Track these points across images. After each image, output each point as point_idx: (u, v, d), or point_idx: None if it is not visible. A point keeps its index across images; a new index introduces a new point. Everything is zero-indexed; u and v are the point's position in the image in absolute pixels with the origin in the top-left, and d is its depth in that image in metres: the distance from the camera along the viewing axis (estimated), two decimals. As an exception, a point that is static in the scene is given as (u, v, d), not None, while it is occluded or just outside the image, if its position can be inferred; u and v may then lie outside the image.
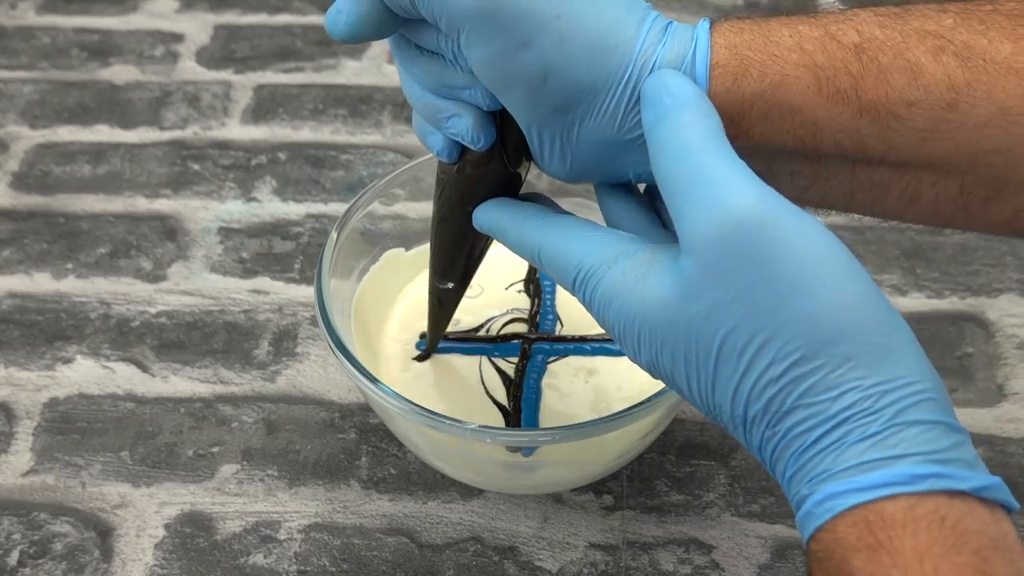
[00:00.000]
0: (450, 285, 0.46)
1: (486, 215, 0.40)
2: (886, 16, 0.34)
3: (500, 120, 0.37)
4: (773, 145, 0.34)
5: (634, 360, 0.34)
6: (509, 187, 0.40)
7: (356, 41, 0.36)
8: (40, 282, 0.62)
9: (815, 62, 0.33)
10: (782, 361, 0.30)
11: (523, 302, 0.54)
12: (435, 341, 0.51)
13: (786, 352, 0.30)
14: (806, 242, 0.30)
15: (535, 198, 0.41)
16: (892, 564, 0.27)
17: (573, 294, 0.36)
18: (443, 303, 0.48)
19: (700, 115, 0.32)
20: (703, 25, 0.34)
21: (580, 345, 0.52)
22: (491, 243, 0.44)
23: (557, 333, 0.53)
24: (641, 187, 0.39)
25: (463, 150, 0.39)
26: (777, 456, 0.31)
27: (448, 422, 0.42)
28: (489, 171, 0.39)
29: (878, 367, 0.29)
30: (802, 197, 0.37)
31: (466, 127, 0.37)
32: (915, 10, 0.34)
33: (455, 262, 0.45)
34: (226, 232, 0.64)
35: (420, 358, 0.52)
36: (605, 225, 0.38)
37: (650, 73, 0.33)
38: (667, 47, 0.33)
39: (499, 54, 0.33)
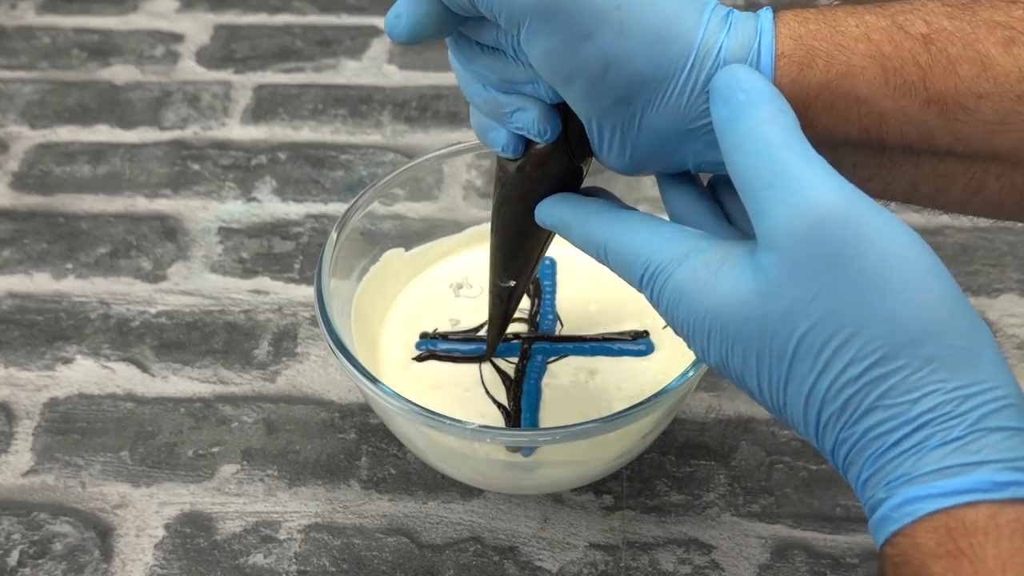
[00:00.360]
0: (511, 283, 0.45)
1: (549, 210, 0.40)
2: (955, 7, 0.33)
3: (563, 113, 0.37)
4: (837, 135, 0.34)
5: (702, 358, 0.34)
6: (571, 182, 0.40)
7: (416, 42, 0.36)
8: (40, 282, 0.62)
9: (882, 52, 0.33)
10: (862, 361, 0.29)
11: (523, 302, 0.54)
12: (496, 341, 0.50)
13: (867, 352, 0.29)
14: (890, 240, 0.29)
15: (598, 193, 0.40)
16: (974, 572, 0.27)
17: (640, 290, 0.35)
18: (504, 302, 0.47)
19: (777, 112, 0.31)
20: (766, 14, 0.34)
21: (580, 345, 0.52)
22: (552, 239, 0.43)
23: (557, 333, 0.53)
24: (704, 179, 0.39)
25: (527, 145, 0.39)
26: (852, 459, 0.31)
27: (448, 422, 0.42)
28: (552, 165, 0.39)
29: (960, 371, 0.29)
30: (864, 188, 0.36)
31: (531, 120, 0.37)
32: (985, 1, 0.34)
33: (516, 260, 0.44)
34: (226, 232, 0.64)
35: (420, 358, 0.52)
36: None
37: (714, 62, 0.33)
38: (730, 36, 0.33)
39: (560, 47, 0.33)
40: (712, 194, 0.38)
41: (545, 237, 0.43)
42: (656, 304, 0.35)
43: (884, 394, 0.29)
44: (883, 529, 0.29)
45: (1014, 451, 0.28)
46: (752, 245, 0.32)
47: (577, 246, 0.38)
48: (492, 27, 0.36)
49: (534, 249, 0.44)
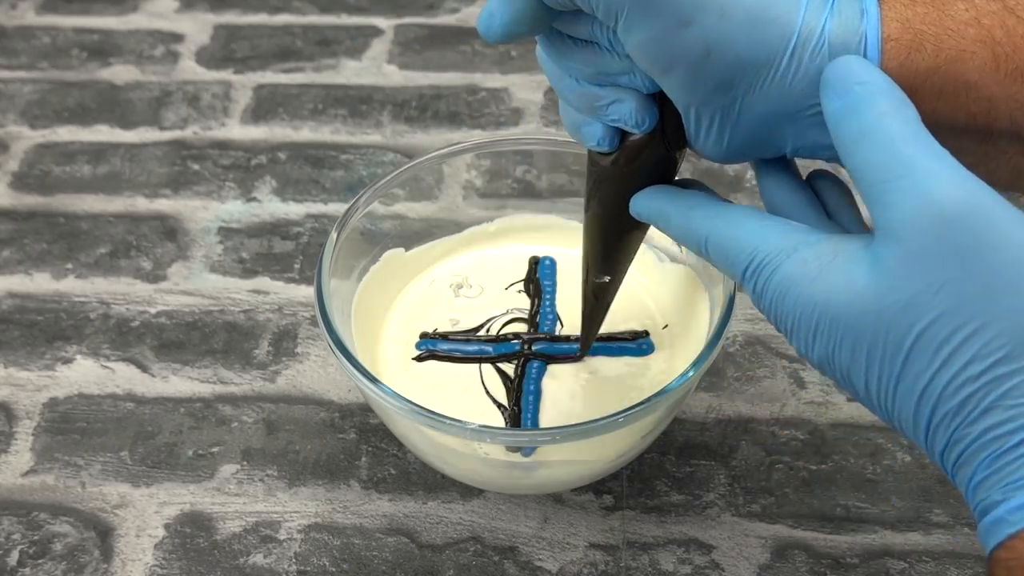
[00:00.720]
0: (607, 279, 0.45)
1: (646, 202, 0.39)
2: None
3: (660, 103, 0.37)
4: (944, 121, 0.33)
5: (803, 354, 0.33)
6: (666, 173, 0.39)
7: (511, 41, 0.36)
8: (40, 282, 0.62)
9: (993, 37, 0.32)
10: (985, 358, 0.29)
11: (523, 302, 0.54)
12: (590, 339, 0.49)
13: (991, 348, 0.29)
14: (1020, 236, 0.29)
15: (693, 185, 0.40)
16: None
17: (741, 283, 0.35)
18: (599, 298, 0.46)
19: (897, 104, 0.31)
20: None
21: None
22: (646, 233, 0.43)
23: (557, 333, 0.53)
24: (803, 173, 0.39)
25: (621, 137, 0.38)
26: (964, 461, 0.30)
27: (448, 422, 0.42)
28: (648, 156, 0.38)
29: None
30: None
31: (628, 111, 0.37)
32: None
33: (611, 255, 0.44)
34: (226, 232, 0.64)
35: (420, 358, 0.52)
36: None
37: (816, 44, 0.33)
38: (833, 17, 0.33)
39: (659, 36, 0.33)
40: (811, 187, 0.38)
41: (641, 230, 0.43)
42: (759, 297, 0.34)
43: (1006, 393, 0.29)
44: (997, 532, 0.29)
45: None
46: (866, 239, 0.31)
47: (676, 238, 0.38)
48: (587, 20, 0.35)
49: (630, 243, 0.43)
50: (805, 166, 0.38)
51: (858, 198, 0.35)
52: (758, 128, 0.35)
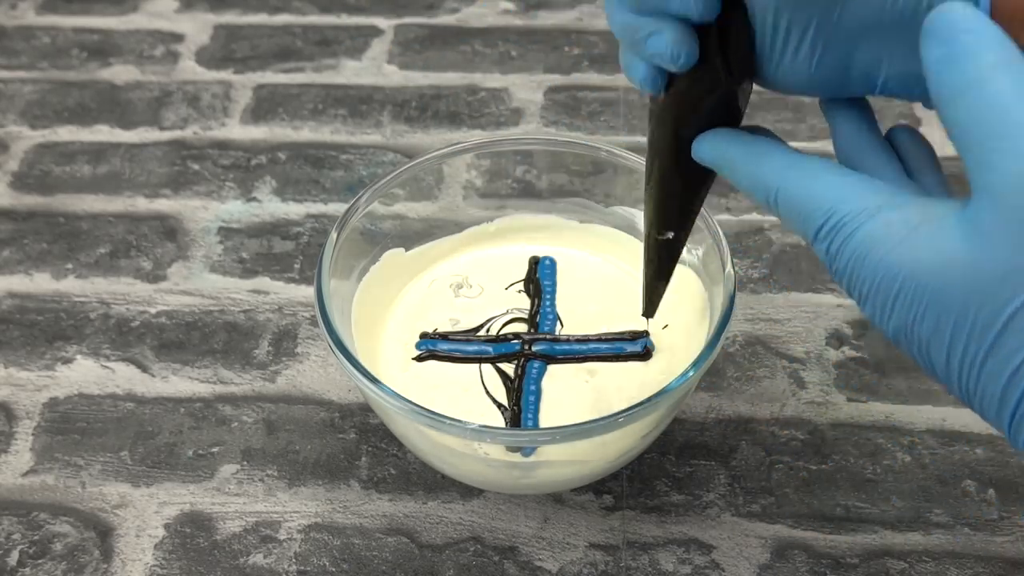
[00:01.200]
0: (670, 235, 0.42)
1: (711, 146, 0.36)
2: None
3: (720, 29, 0.34)
4: None
5: (877, 323, 0.32)
6: (729, 114, 0.36)
7: None
8: (40, 282, 0.62)
9: None
10: None
11: (523, 302, 0.54)
12: (654, 302, 0.46)
13: None
14: None
15: (762, 131, 0.37)
16: None
17: (812, 243, 0.33)
18: (662, 257, 0.43)
19: (1008, 57, 0.28)
20: None
21: (580, 345, 0.52)
22: (712, 183, 0.40)
23: (557, 333, 0.53)
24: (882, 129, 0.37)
25: (670, 78, 0.36)
26: None
27: (448, 422, 0.42)
28: (703, 94, 0.35)
29: None
30: None
31: (665, 43, 0.34)
32: None
33: (672, 207, 0.41)
34: (226, 232, 0.64)
35: (420, 358, 0.52)
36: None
37: None
38: None
39: None
40: (890, 143, 0.36)
41: (705, 180, 0.40)
42: (833, 259, 0.32)
43: None
44: None
45: None
46: (959, 204, 0.29)
47: (742, 188, 0.35)
48: None
49: (694, 194, 0.40)
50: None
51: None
52: (855, 44, 0.32)
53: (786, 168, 0.34)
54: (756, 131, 0.37)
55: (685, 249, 0.52)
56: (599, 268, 0.56)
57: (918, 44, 0.30)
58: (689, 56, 0.34)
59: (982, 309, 0.28)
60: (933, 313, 0.29)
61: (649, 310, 0.47)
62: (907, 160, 0.35)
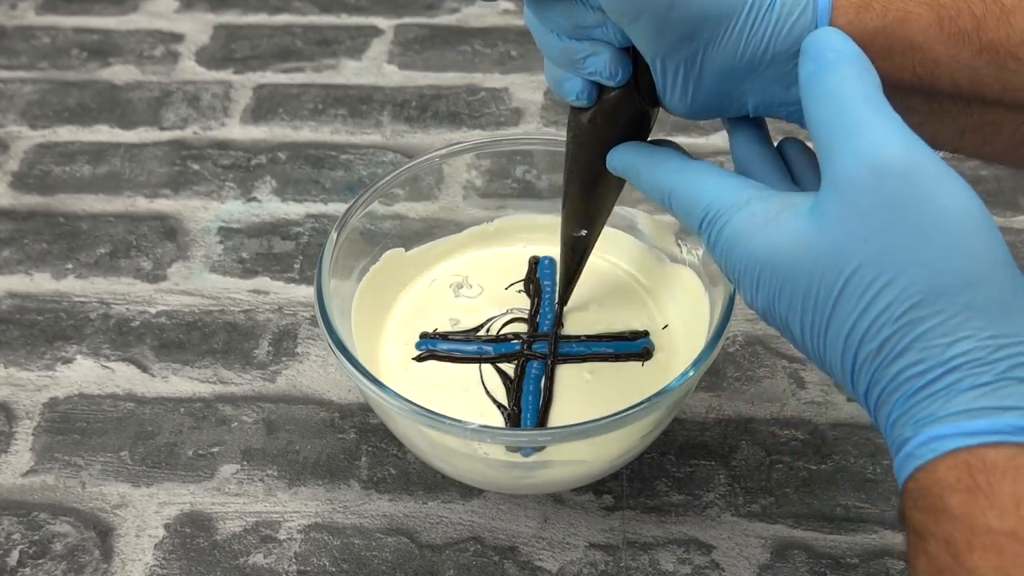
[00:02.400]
0: (583, 232, 0.47)
1: (620, 157, 0.41)
2: None
3: (634, 60, 0.39)
4: (891, 81, 0.35)
5: (750, 303, 0.36)
6: (640, 130, 0.42)
7: None
8: (40, 282, 0.62)
9: (939, 1, 0.34)
10: (902, 303, 0.31)
11: (523, 302, 0.54)
12: (567, 292, 0.51)
13: (908, 294, 0.30)
14: (947, 195, 0.31)
15: (665, 144, 0.42)
16: (988, 506, 0.28)
17: (698, 235, 0.37)
18: (575, 251, 0.48)
19: (862, 70, 0.33)
20: None
21: (580, 345, 0.52)
22: (622, 190, 0.45)
23: (557, 333, 0.53)
24: (775, 141, 0.41)
25: (599, 92, 0.40)
26: (883, 399, 0.32)
27: (448, 422, 0.42)
28: (622, 112, 0.41)
29: (996, 321, 0.30)
30: (939, 143, 0.38)
31: (603, 63, 0.39)
32: None
33: (588, 209, 0.46)
34: (226, 232, 0.64)
35: (420, 358, 0.52)
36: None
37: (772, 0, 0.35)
38: None
39: None
40: (780, 153, 0.40)
41: (616, 186, 0.45)
42: (712, 248, 0.37)
43: (920, 337, 0.31)
44: (907, 466, 0.30)
45: None
46: (814, 196, 0.33)
47: (644, 191, 0.40)
48: None
49: (605, 197, 0.46)
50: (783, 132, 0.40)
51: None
52: (721, 82, 0.37)
53: (677, 172, 0.39)
54: (661, 143, 0.42)
55: (685, 249, 0.53)
56: (599, 268, 0.56)
57: (771, 79, 0.36)
58: (625, 73, 0.39)
59: (823, 284, 0.32)
60: (787, 291, 0.33)
61: (563, 298, 0.52)
62: (792, 166, 0.40)
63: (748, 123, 0.40)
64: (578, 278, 0.51)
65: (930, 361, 0.30)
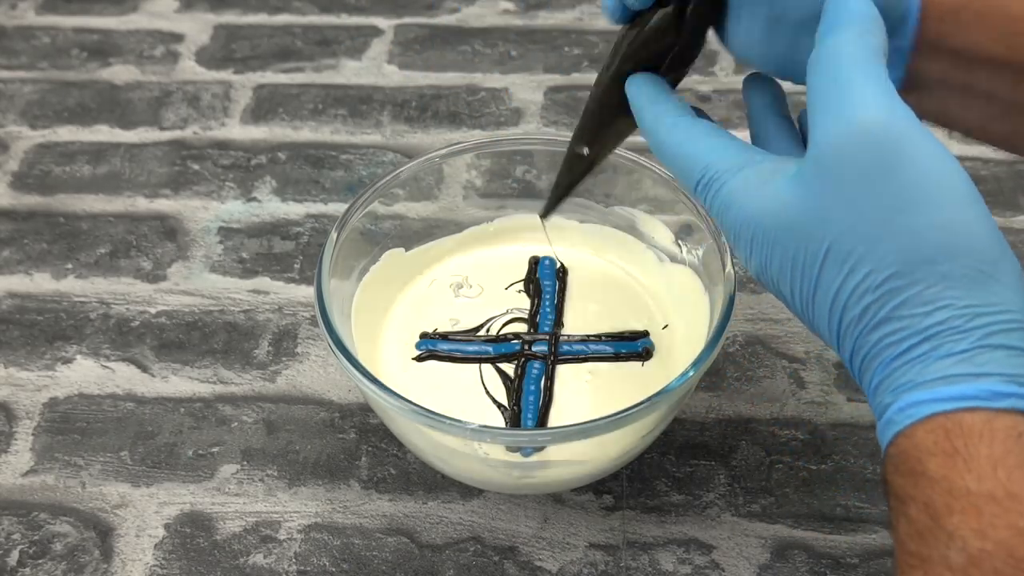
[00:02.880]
0: (584, 151, 0.46)
1: (638, 87, 0.41)
2: None
3: (683, 6, 0.39)
4: (981, 54, 0.34)
5: (745, 264, 0.36)
6: (669, 70, 0.41)
7: None
8: (40, 282, 0.62)
9: None
10: (881, 271, 0.31)
11: (523, 302, 0.54)
12: (553, 204, 0.49)
13: (886, 263, 0.31)
14: (928, 163, 0.31)
15: (679, 98, 0.41)
16: (966, 469, 0.29)
17: (694, 194, 0.38)
18: (572, 169, 0.47)
19: (863, 32, 0.32)
20: None
21: (580, 345, 0.52)
22: (630, 133, 0.44)
23: (557, 333, 0.53)
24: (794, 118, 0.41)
25: (634, 16, 0.40)
26: (865, 365, 0.32)
27: (448, 422, 0.42)
28: (661, 37, 0.40)
29: (974, 291, 0.30)
30: (997, 124, 0.37)
31: None
32: None
33: (595, 128, 0.45)
34: (226, 232, 0.64)
35: (420, 358, 0.52)
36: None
37: None
38: None
39: None
40: (798, 126, 0.40)
41: (627, 118, 0.43)
42: (708, 209, 0.37)
43: (899, 305, 0.31)
44: (887, 431, 0.31)
45: (1016, 368, 0.30)
46: (803, 160, 0.33)
47: (642, 131, 0.40)
48: None
49: (616, 125, 0.44)
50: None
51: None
52: (798, 33, 0.36)
53: (679, 126, 0.38)
54: (680, 103, 0.41)
55: (685, 249, 0.53)
56: (599, 268, 0.56)
57: None
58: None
59: (808, 250, 0.33)
60: (778, 254, 0.34)
61: (546, 211, 0.50)
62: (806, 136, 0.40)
63: (765, 90, 0.40)
64: (566, 198, 0.49)
65: (908, 330, 0.31)
